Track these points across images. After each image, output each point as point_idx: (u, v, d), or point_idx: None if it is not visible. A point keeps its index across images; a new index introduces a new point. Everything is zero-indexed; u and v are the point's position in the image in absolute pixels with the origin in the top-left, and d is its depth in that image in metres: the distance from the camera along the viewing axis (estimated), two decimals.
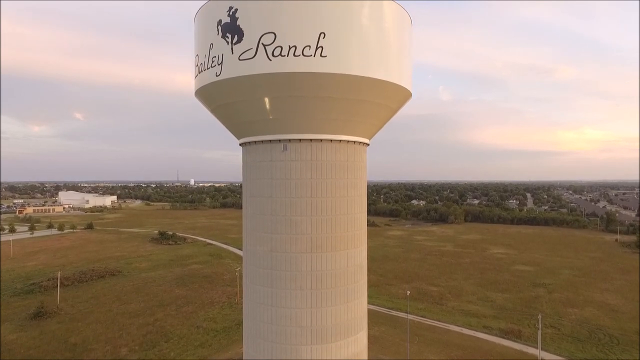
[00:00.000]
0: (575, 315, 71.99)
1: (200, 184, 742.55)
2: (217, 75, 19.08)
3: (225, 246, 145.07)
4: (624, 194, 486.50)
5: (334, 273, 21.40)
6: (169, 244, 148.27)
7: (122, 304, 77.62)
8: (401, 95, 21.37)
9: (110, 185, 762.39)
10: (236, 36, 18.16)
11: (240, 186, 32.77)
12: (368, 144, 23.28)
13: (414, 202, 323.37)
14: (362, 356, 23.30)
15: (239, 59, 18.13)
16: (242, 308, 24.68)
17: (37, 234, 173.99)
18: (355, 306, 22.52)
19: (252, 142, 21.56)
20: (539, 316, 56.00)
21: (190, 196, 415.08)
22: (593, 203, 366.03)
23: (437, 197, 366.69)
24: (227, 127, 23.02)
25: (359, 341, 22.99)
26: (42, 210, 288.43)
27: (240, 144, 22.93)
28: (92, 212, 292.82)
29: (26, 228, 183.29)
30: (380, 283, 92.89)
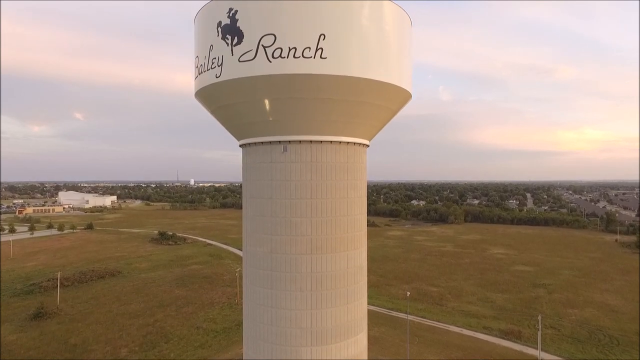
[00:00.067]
0: (575, 316, 71.99)
1: (200, 184, 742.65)
2: (217, 77, 19.05)
3: (225, 246, 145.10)
4: (624, 194, 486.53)
5: (333, 274, 21.38)
6: (169, 244, 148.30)
7: (122, 305, 77.62)
8: (401, 96, 21.36)
9: (110, 185, 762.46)
10: (236, 37, 18.14)
11: (240, 186, 32.78)
12: (368, 145, 23.27)
13: (414, 202, 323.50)
14: (362, 357, 23.28)
15: (239, 61, 18.11)
16: (242, 309, 24.68)
17: (37, 234, 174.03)
18: (355, 307, 22.50)
19: (252, 143, 21.54)
20: (539, 317, 56.01)
21: (190, 196, 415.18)
22: (593, 203, 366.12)
23: (437, 197, 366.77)
24: (227, 128, 23.00)
25: (359, 342, 22.97)
26: (42, 210, 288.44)
27: (240, 145, 22.91)
28: (92, 212, 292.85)
29: (26, 228, 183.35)
30: (380, 283, 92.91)
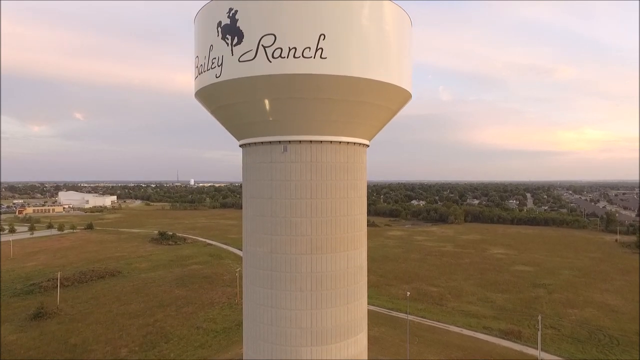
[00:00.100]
0: (575, 316, 71.99)
1: (200, 184, 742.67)
2: (217, 77, 19.05)
3: (225, 246, 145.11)
4: (624, 194, 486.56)
5: (333, 274, 21.37)
6: (169, 244, 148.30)
7: (122, 305, 77.61)
8: (401, 96, 21.36)
9: (110, 185, 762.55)
10: (236, 38, 18.14)
11: (240, 186, 32.79)
12: (368, 145, 23.26)
13: (414, 202, 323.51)
14: (362, 357, 23.28)
15: (239, 61, 18.11)
16: (242, 309, 24.69)
17: (37, 234, 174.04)
18: (355, 307, 22.49)
19: (252, 143, 21.54)
20: (539, 317, 56.00)
21: (190, 196, 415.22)
22: (593, 203, 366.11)
23: (437, 197, 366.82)
24: (227, 128, 23.00)
25: (359, 342, 22.97)
26: (42, 210, 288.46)
27: (240, 145, 22.91)
28: (92, 212, 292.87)
29: (26, 228, 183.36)
30: (380, 283, 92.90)
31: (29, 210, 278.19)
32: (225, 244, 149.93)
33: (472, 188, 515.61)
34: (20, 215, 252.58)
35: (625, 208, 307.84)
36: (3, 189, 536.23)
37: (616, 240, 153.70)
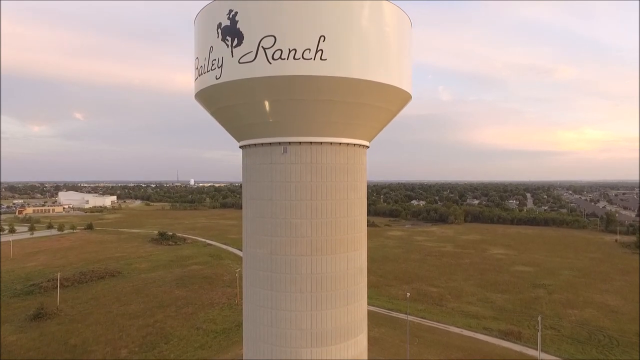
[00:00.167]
0: (575, 317, 71.98)
1: (200, 184, 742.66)
2: (217, 78, 19.04)
3: (225, 247, 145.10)
4: (623, 194, 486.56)
5: (333, 276, 21.36)
6: (169, 245, 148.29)
7: (122, 305, 77.60)
8: (401, 97, 21.35)
9: (110, 185, 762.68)
10: (236, 39, 18.13)
11: (240, 186, 32.78)
12: (368, 147, 23.25)
13: (414, 202, 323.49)
14: (362, 358, 23.27)
15: (239, 62, 18.10)
16: (241, 309, 24.69)
17: (36, 234, 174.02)
18: (355, 309, 22.48)
19: (252, 144, 21.54)
20: (539, 318, 55.98)
21: (190, 196, 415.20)
22: (593, 203, 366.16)
23: (437, 197, 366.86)
24: (227, 129, 22.99)
25: (359, 343, 22.96)
26: (41, 210, 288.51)
27: (240, 147, 22.90)
28: (91, 212, 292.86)
29: (26, 228, 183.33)
30: (380, 284, 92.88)
31: (29, 210, 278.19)
32: (225, 244, 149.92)
33: (472, 188, 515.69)
34: (20, 216, 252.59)
35: (625, 208, 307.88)
36: (3, 189, 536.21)
37: (616, 241, 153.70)
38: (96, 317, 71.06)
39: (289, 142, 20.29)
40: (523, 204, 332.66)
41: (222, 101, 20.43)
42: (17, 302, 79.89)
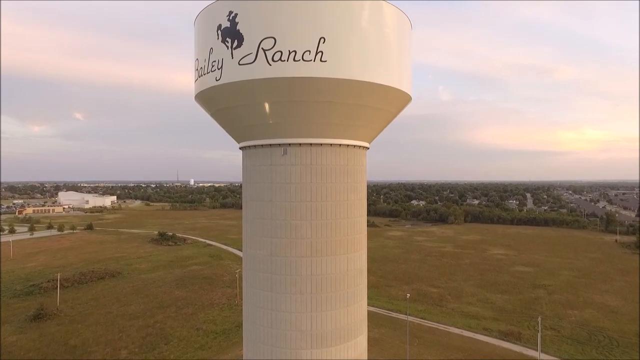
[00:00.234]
0: (575, 317, 72.00)
1: (200, 184, 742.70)
2: (217, 80, 19.03)
3: (225, 247, 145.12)
4: (623, 194, 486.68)
5: (333, 277, 21.35)
6: (169, 245, 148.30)
7: (122, 306, 77.60)
8: (401, 99, 21.35)
9: (110, 185, 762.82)
10: (236, 41, 18.12)
11: (240, 186, 32.79)
12: (368, 148, 23.25)
13: (414, 202, 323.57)
14: (362, 359, 23.27)
15: (239, 64, 18.08)
16: (241, 310, 24.71)
17: (36, 234, 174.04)
18: (355, 310, 22.47)
19: (252, 146, 21.53)
20: (539, 318, 56.02)
21: (190, 196, 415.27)
22: (593, 203, 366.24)
23: (437, 198, 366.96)
24: (227, 131, 22.98)
25: (359, 345, 22.95)
26: (41, 210, 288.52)
27: (240, 148, 22.90)
28: (91, 212, 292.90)
29: (26, 229, 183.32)
30: (380, 284, 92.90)
31: (29, 210, 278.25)
32: (225, 244, 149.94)
33: (472, 188, 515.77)
34: (20, 216, 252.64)
35: (625, 208, 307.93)
36: (3, 189, 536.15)
37: (616, 241, 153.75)
38: (96, 317, 71.06)
39: (289, 144, 20.28)
40: (523, 204, 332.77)
41: (222, 103, 20.43)
42: (17, 302, 79.90)
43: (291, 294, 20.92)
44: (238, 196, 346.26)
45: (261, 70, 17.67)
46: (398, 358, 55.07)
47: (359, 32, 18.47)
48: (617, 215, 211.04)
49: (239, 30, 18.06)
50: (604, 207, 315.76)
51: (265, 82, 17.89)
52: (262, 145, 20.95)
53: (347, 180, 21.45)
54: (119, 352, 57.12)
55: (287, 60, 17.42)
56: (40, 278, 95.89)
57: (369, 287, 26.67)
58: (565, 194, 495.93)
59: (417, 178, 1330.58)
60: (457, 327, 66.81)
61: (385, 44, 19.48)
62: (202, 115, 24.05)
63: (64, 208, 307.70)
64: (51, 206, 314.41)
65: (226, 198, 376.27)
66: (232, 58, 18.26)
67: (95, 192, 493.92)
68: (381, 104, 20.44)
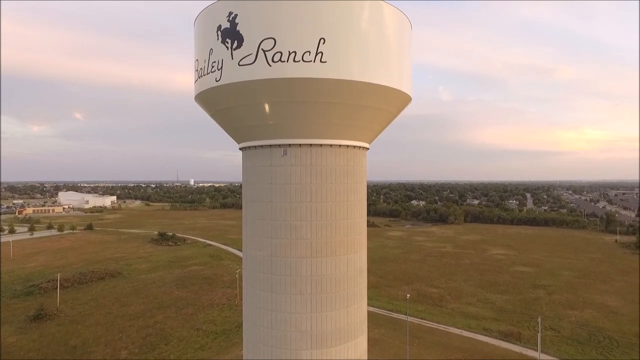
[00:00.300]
0: (575, 317, 71.99)
1: (200, 184, 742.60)
2: (216, 81, 19.02)
3: (225, 247, 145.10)
4: (623, 194, 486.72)
5: (333, 278, 21.35)
6: (169, 245, 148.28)
7: (122, 306, 77.58)
8: (401, 99, 21.34)
9: (110, 185, 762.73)
10: (236, 41, 18.11)
11: (240, 186, 32.78)
12: (368, 148, 23.24)
13: (414, 202, 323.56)
14: (362, 359, 23.28)
15: (239, 65, 18.08)
16: (241, 310, 24.71)
17: (36, 234, 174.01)
18: (355, 311, 22.47)
19: (251, 146, 21.52)
20: (539, 319, 56.03)
21: (190, 196, 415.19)
22: (593, 203, 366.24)
23: (436, 198, 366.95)
24: (226, 131, 22.97)
25: (359, 345, 22.95)
26: (41, 210, 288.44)
27: (240, 149, 22.90)
28: (91, 212, 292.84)
29: (26, 229, 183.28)
30: (380, 284, 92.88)
31: (29, 210, 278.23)
32: (225, 244, 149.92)
33: (472, 188, 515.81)
34: (20, 216, 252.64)
35: (625, 208, 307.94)
36: (3, 189, 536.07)
37: (616, 241, 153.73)
38: (96, 318, 71.04)
39: (289, 144, 20.27)
40: (523, 204, 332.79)
41: (222, 103, 20.43)
42: (17, 303, 79.88)
43: (291, 294, 20.91)
44: (238, 196, 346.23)
45: (261, 71, 17.66)
46: (398, 358, 55.05)
47: (358, 33, 18.46)
48: (617, 215, 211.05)
49: (238, 30, 18.06)
50: (604, 207, 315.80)
51: (265, 82, 17.88)
52: (262, 145, 20.94)
53: (347, 180, 21.44)
54: (119, 352, 57.10)
55: (287, 61, 17.42)
56: (40, 278, 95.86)
57: (368, 288, 26.66)
58: (565, 194, 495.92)
59: (417, 178, 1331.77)
60: (457, 328, 66.80)
61: (385, 44, 19.48)
62: (202, 115, 23.97)
63: (63, 208, 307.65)
64: (51, 206, 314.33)
65: (226, 198, 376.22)
66: (232, 59, 18.25)
67: (95, 192, 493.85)
68: (381, 104, 20.44)
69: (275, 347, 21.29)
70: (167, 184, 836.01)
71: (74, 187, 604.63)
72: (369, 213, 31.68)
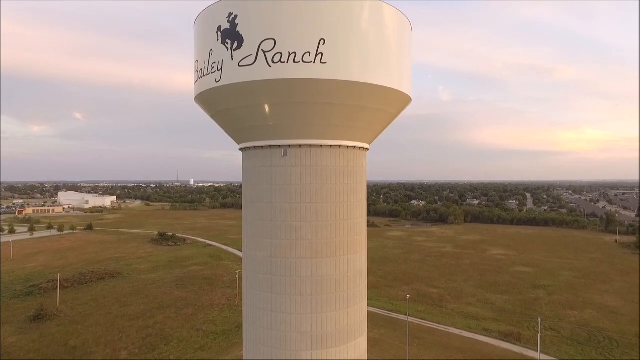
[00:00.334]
0: (574, 318, 71.98)
1: (200, 184, 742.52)
2: (216, 81, 19.01)
3: (224, 247, 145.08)
4: (623, 194, 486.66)
5: (333, 278, 21.35)
6: (169, 245, 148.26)
7: (122, 307, 77.56)
8: (401, 100, 21.34)
9: (110, 185, 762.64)
10: (236, 42, 18.11)
11: (240, 186, 32.80)
12: (368, 149, 23.24)
13: (414, 202, 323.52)
14: None
15: (239, 65, 18.08)
16: (241, 310, 24.71)
17: (36, 234, 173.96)
18: (355, 311, 22.46)
19: (251, 147, 21.52)
20: (539, 319, 56.03)
21: (190, 196, 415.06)
22: (593, 203, 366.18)
23: (436, 198, 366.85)
24: (226, 132, 22.97)
25: (359, 346, 22.94)
26: (41, 210, 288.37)
27: (240, 149, 22.90)
28: (91, 212, 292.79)
29: (26, 229, 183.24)
30: (380, 285, 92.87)
31: (29, 210, 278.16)
32: (225, 244, 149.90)
33: (472, 188, 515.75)
34: (20, 216, 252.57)
35: (625, 208, 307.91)
36: (3, 189, 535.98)
37: (616, 241, 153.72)
38: (96, 318, 71.02)
39: (289, 145, 20.27)
40: (523, 204, 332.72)
41: (222, 104, 20.42)
42: (17, 303, 79.86)
43: (291, 295, 20.91)
44: (238, 196, 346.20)
45: (261, 71, 17.66)
46: (398, 359, 55.05)
47: (358, 33, 18.46)
48: (617, 215, 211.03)
49: (238, 31, 18.06)
50: (603, 207, 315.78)
51: (265, 83, 17.88)
52: (262, 146, 20.95)
53: (347, 181, 21.44)
54: (119, 353, 57.09)
55: (287, 62, 17.42)
56: (40, 278, 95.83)
57: (368, 288, 26.66)
58: (565, 194, 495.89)
59: (417, 178, 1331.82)
60: (457, 328, 66.79)
61: (385, 45, 19.48)
62: (202, 115, 23.97)
63: (63, 208, 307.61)
64: (51, 206, 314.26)
65: (226, 198, 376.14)
66: (232, 59, 18.25)
67: (95, 192, 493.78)
68: (381, 105, 20.44)
69: (275, 348, 21.29)
70: (167, 184, 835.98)
71: (74, 187, 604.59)
72: (368, 213, 31.68)
